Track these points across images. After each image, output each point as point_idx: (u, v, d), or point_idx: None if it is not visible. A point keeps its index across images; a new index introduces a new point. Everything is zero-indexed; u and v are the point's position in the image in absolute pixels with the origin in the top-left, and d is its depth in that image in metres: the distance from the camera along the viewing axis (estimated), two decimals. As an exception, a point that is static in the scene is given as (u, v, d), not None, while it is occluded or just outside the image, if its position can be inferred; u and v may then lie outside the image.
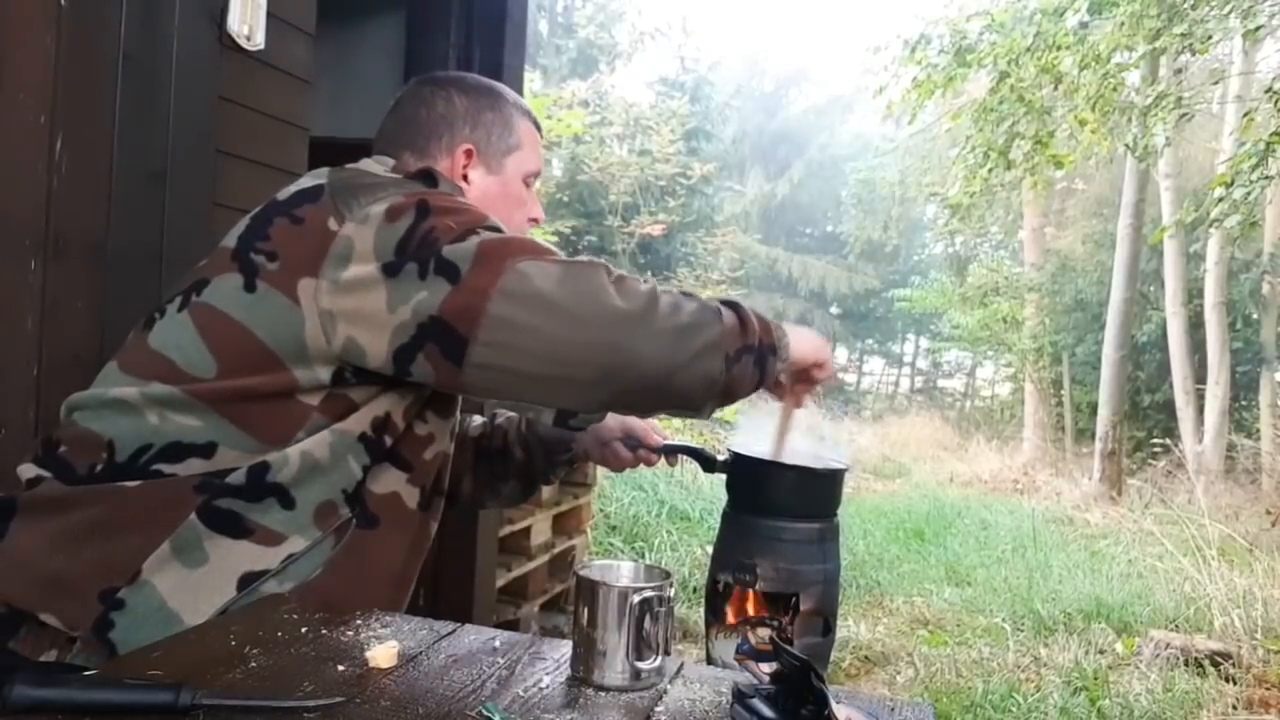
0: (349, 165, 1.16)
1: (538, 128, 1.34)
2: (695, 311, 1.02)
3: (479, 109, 1.27)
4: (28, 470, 1.06)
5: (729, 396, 1.07)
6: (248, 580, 1.01)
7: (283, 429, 1.04)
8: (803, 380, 1.19)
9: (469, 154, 1.26)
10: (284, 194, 1.12)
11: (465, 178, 1.25)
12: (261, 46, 1.73)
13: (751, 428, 1.32)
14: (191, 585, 1.00)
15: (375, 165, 1.19)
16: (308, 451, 1.03)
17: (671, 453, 1.41)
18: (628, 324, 0.98)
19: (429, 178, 1.15)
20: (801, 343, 1.13)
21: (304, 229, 1.05)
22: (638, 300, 0.99)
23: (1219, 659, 3.87)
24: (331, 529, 1.06)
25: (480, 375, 0.99)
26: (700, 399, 1.04)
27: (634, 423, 1.41)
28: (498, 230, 1.04)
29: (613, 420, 1.41)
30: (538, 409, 1.05)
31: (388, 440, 1.09)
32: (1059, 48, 7.39)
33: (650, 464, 1.42)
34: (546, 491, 3.43)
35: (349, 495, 1.08)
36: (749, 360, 1.05)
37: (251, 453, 1.03)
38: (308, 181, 1.12)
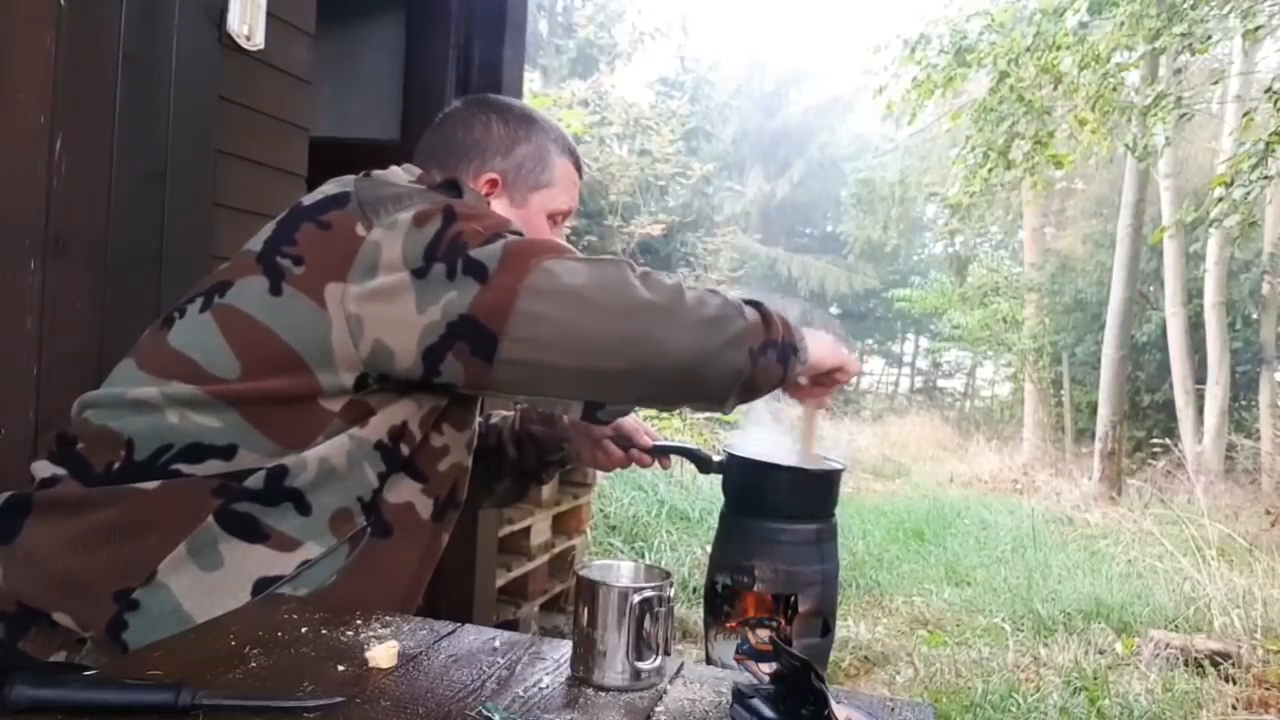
0: (375, 172, 1.16)
1: (578, 167, 1.33)
2: (720, 305, 1.04)
3: (514, 141, 1.27)
4: (43, 468, 1.06)
5: (752, 391, 1.09)
6: (263, 585, 1.01)
7: (303, 433, 1.04)
8: (823, 384, 1.20)
9: (493, 183, 1.26)
10: (309, 200, 1.12)
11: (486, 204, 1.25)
12: (261, 46, 1.73)
13: (754, 428, 1.32)
14: (207, 588, 1.00)
15: (401, 174, 1.19)
16: (325, 458, 1.04)
17: (664, 453, 1.41)
18: (656, 315, 0.99)
19: (454, 187, 1.15)
20: (820, 346, 1.14)
21: (331, 234, 1.05)
22: (665, 293, 1.01)
23: (1219, 659, 3.87)
24: (346, 537, 1.06)
25: (510, 371, 1.00)
26: (725, 391, 1.06)
27: (625, 422, 1.41)
28: (521, 235, 1.05)
29: None
30: (566, 403, 1.06)
31: (404, 449, 1.10)
32: (1059, 48, 7.39)
33: (643, 464, 1.42)
34: (546, 491, 3.43)
35: (365, 504, 1.08)
36: (772, 355, 1.07)
37: (271, 456, 1.03)
38: (333, 188, 1.12)
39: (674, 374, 1.01)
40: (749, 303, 1.08)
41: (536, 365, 0.99)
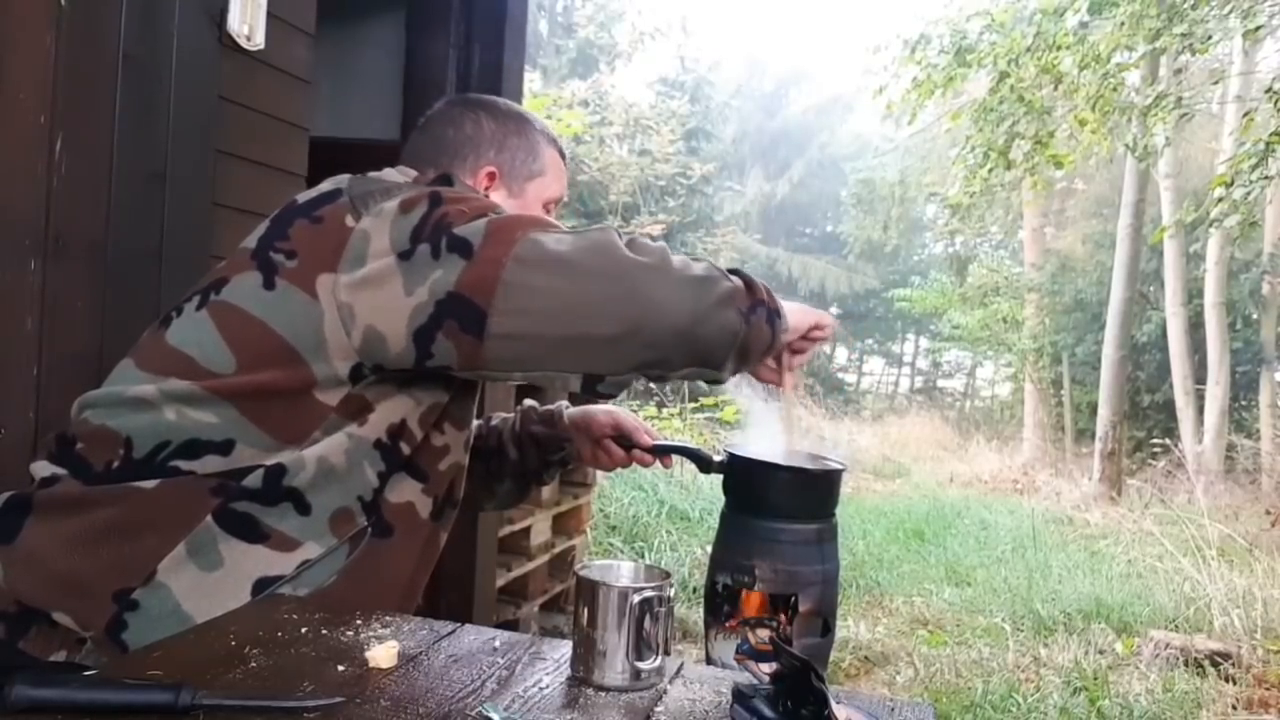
0: (370, 173, 1.17)
1: (563, 156, 1.36)
2: (707, 267, 1.05)
3: (505, 133, 1.30)
4: (43, 468, 1.07)
5: (746, 355, 1.09)
6: (262, 585, 1.02)
7: (299, 427, 1.04)
8: (798, 351, 1.21)
9: (491, 176, 1.28)
10: (303, 197, 1.13)
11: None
12: (261, 46, 1.73)
13: (757, 426, 1.32)
14: (206, 588, 1.00)
15: (396, 175, 1.20)
16: (323, 457, 1.04)
17: (665, 453, 1.41)
18: (645, 274, 0.99)
19: (445, 180, 1.16)
20: (794, 310, 1.16)
21: (322, 227, 1.06)
22: (652, 254, 1.01)
23: (1219, 659, 3.87)
24: (347, 537, 1.07)
25: (502, 346, 0.99)
26: (723, 353, 1.05)
27: (626, 421, 1.41)
28: (505, 214, 1.06)
29: (604, 417, 1.42)
30: (565, 377, 1.05)
31: (404, 448, 1.10)
32: (1059, 48, 7.39)
33: (644, 464, 1.42)
34: (546, 491, 3.43)
35: (365, 504, 1.08)
36: (762, 315, 1.07)
37: (268, 451, 1.03)
38: (327, 185, 1.13)
39: (669, 334, 1.00)
40: (729, 270, 1.09)
41: (528, 337, 0.99)
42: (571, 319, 0.98)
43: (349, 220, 1.05)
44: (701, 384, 1.15)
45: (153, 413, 1.03)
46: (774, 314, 1.10)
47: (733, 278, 1.07)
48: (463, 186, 1.18)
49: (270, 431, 1.03)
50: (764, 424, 1.30)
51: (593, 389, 1.08)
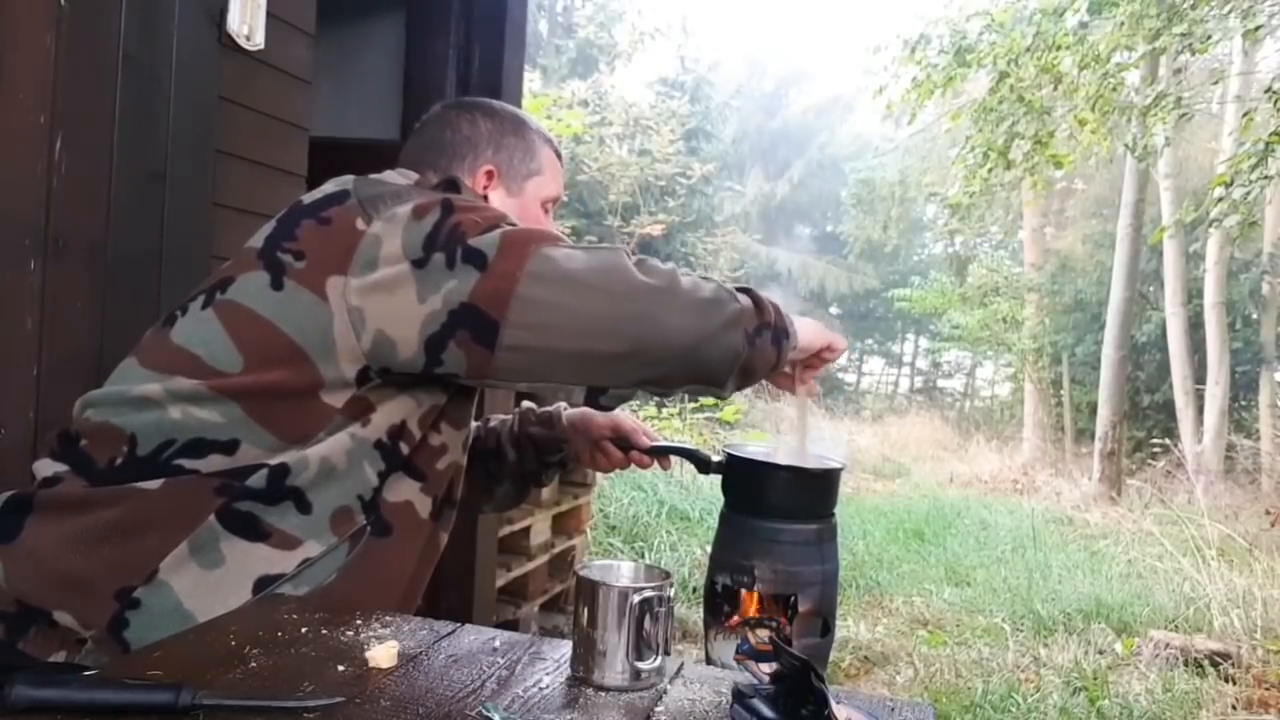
0: (373, 175, 1.18)
1: (559, 156, 1.37)
2: (715, 289, 1.06)
3: (502, 133, 1.31)
4: (45, 467, 1.07)
5: (748, 374, 1.11)
6: (263, 584, 1.02)
7: (304, 427, 1.04)
8: (813, 365, 1.24)
9: (490, 175, 1.29)
10: (309, 198, 1.13)
11: (485, 198, 1.28)
12: (261, 46, 1.73)
13: (772, 430, 1.32)
14: (208, 586, 1.00)
15: (398, 177, 1.21)
16: (325, 456, 1.04)
17: (663, 454, 1.41)
18: (654, 296, 1.01)
19: (452, 185, 1.17)
20: (807, 329, 1.18)
21: (331, 229, 1.07)
22: (661, 276, 1.03)
23: (1218, 659, 3.88)
24: (347, 535, 1.07)
25: (512, 358, 1.01)
26: (725, 373, 1.08)
27: (624, 423, 1.42)
28: (517, 226, 1.07)
29: (603, 419, 1.42)
30: (568, 389, 1.07)
31: (404, 448, 1.10)
32: (1059, 48, 7.39)
33: (643, 465, 1.43)
34: (546, 492, 3.43)
35: (365, 503, 1.08)
36: (767, 337, 1.09)
37: (272, 451, 1.03)
38: (333, 187, 1.13)
39: (674, 355, 1.03)
40: (740, 289, 1.10)
41: (538, 350, 1.00)
42: (580, 335, 1.00)
43: (359, 223, 1.05)
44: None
45: (158, 411, 1.04)
46: (781, 334, 1.12)
47: (741, 298, 1.08)
48: (468, 192, 1.18)
49: (275, 431, 1.04)
50: (787, 427, 1.30)
51: (595, 401, 1.09)
